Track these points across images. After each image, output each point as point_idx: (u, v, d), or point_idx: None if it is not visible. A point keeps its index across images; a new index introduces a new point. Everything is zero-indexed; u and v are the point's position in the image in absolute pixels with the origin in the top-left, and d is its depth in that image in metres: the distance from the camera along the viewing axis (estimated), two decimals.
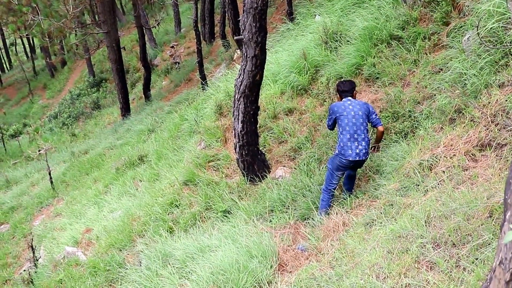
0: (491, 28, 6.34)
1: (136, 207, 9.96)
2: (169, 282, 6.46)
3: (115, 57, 20.45)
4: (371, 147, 6.91)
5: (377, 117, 6.71)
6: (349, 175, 6.97)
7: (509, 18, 6.00)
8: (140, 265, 7.55)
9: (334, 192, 6.86)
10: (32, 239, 10.73)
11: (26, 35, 22.57)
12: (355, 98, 6.82)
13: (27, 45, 55.19)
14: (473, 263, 4.14)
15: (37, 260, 10.24)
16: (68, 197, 14.43)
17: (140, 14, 23.87)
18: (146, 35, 27.18)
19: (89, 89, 32.80)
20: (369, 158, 7.07)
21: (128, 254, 8.51)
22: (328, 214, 6.73)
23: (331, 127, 6.92)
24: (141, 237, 8.67)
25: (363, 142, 6.46)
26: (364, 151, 6.45)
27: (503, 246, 2.11)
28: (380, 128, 6.76)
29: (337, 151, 6.55)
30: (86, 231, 10.52)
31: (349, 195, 6.82)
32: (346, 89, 6.83)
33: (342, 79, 7.55)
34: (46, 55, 39.46)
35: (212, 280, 5.84)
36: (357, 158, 6.42)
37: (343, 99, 6.76)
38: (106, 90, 32.00)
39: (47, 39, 20.57)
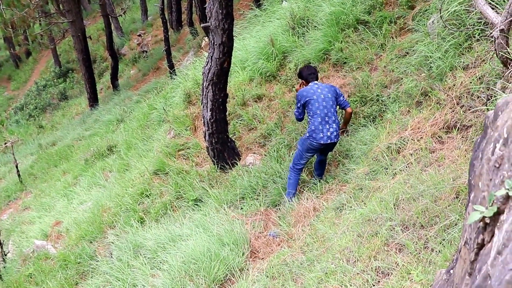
0: (454, 11, 6.40)
1: (106, 198, 9.86)
2: (141, 273, 6.42)
3: (81, 47, 20.12)
4: (340, 130, 6.94)
5: (344, 99, 6.76)
6: (320, 160, 7.00)
7: (471, 1, 6.06)
8: (111, 256, 7.48)
9: (301, 172, 6.90)
10: (0, 233, 10.56)
11: None
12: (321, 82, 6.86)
13: None
14: (440, 243, 4.20)
15: (6, 255, 10.08)
16: (37, 190, 14.23)
17: (106, 2, 23.53)
18: (112, 24, 26.83)
19: (55, 80, 32.26)
20: (338, 142, 7.10)
21: (99, 246, 8.43)
22: (294, 196, 6.80)
23: (301, 115, 6.79)
24: (112, 228, 8.59)
25: (334, 125, 6.50)
26: (335, 133, 6.50)
27: (467, 226, 2.13)
28: (349, 109, 6.83)
29: (307, 134, 6.57)
30: (56, 224, 10.39)
31: (319, 181, 6.86)
32: (311, 72, 6.85)
33: (303, 65, 7.49)
34: (10, 46, 38.73)
35: (184, 269, 5.82)
36: (329, 141, 6.47)
37: (310, 84, 6.75)
38: (73, 80, 31.54)
39: (10, 29, 20.20)
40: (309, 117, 6.58)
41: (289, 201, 6.75)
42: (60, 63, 34.23)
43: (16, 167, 16.11)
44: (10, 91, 37.90)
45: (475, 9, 5.67)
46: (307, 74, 6.84)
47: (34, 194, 14.08)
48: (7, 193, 15.57)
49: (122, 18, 31.48)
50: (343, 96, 6.79)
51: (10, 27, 19.84)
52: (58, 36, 26.59)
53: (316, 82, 6.76)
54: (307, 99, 6.53)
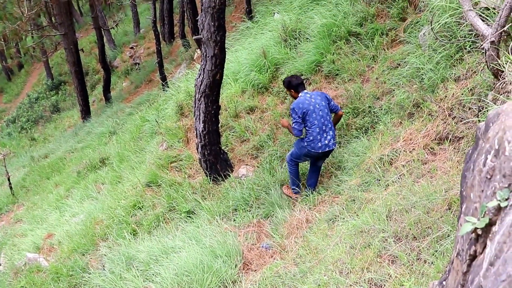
0: (445, 23, 6.44)
1: (99, 210, 9.82)
2: (133, 285, 6.39)
3: (74, 60, 20.10)
4: None
5: (335, 104, 6.87)
6: (314, 169, 7.00)
7: (462, 13, 6.10)
8: (104, 269, 7.44)
9: (299, 165, 7.04)
10: None
11: None
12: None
13: None
14: (433, 255, 4.20)
15: None
16: (29, 203, 14.15)
17: (98, 15, 23.55)
18: (104, 37, 26.84)
19: (48, 92, 32.16)
20: (331, 154, 7.13)
21: (91, 258, 8.38)
22: (300, 187, 7.00)
23: (301, 128, 6.64)
24: (104, 241, 8.55)
25: (330, 132, 6.62)
26: (332, 140, 6.64)
27: (459, 238, 2.14)
28: (340, 112, 6.95)
29: (305, 144, 6.62)
30: (48, 237, 10.33)
31: (311, 192, 6.86)
32: (299, 82, 6.85)
33: (289, 75, 7.47)
34: (2, 58, 38.64)
35: (176, 282, 5.80)
36: (327, 149, 6.61)
37: (301, 93, 6.73)
38: (65, 93, 31.47)
39: (2, 42, 20.20)
40: (307, 128, 6.60)
41: (299, 192, 7.03)
42: (52, 76, 34.16)
43: (8, 179, 16.02)
44: (2, 103, 37.78)
45: (466, 21, 5.71)
46: (297, 84, 6.82)
47: (26, 207, 14.00)
48: None
49: (115, 30, 31.54)
50: (333, 101, 6.89)
51: (2, 39, 19.87)
52: (50, 48, 26.57)
53: (306, 91, 6.76)
54: (305, 110, 6.51)
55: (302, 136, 6.72)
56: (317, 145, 6.54)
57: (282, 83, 7.22)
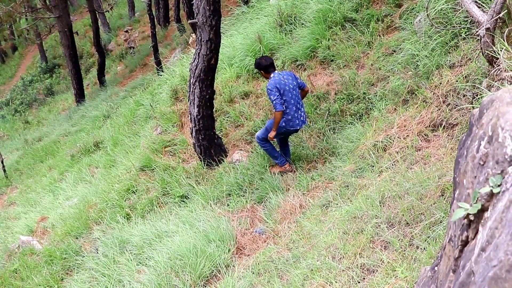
0: (440, 10, 6.43)
1: (93, 194, 9.81)
2: (127, 269, 6.40)
3: (68, 43, 19.98)
4: None
5: (302, 81, 7.19)
6: (284, 144, 7.49)
7: None
8: (97, 252, 7.45)
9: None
10: None
11: None
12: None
13: None
14: (425, 241, 4.22)
15: None
16: (22, 186, 14.15)
17: None
18: (99, 20, 26.69)
19: (42, 75, 32.04)
20: (325, 140, 7.21)
21: (84, 242, 8.39)
22: (282, 158, 7.30)
23: (283, 104, 6.81)
24: (98, 224, 8.56)
25: (302, 108, 7.10)
26: (305, 115, 7.12)
27: (452, 223, 2.15)
28: (306, 88, 7.25)
29: (283, 124, 6.92)
30: (41, 220, 10.32)
31: (289, 161, 7.34)
32: (270, 62, 7.08)
33: (259, 57, 7.62)
34: None
35: (169, 266, 5.81)
36: (302, 125, 7.08)
37: (272, 74, 6.98)
38: (59, 76, 31.36)
39: None
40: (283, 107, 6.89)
41: (285, 161, 7.33)
42: (46, 59, 34.01)
43: (2, 162, 16.00)
44: None
45: (462, 7, 5.71)
46: (267, 65, 7.05)
47: (19, 190, 13.99)
48: None
49: (109, 14, 31.34)
50: (300, 78, 7.23)
51: None
52: (44, 31, 26.43)
53: (278, 72, 7.03)
54: (281, 90, 6.78)
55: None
56: (295, 123, 6.93)
57: (255, 66, 7.36)
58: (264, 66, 7.03)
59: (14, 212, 12.01)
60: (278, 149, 7.52)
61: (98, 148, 13.04)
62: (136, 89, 15.98)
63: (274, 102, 6.79)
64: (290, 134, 7.30)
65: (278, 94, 6.74)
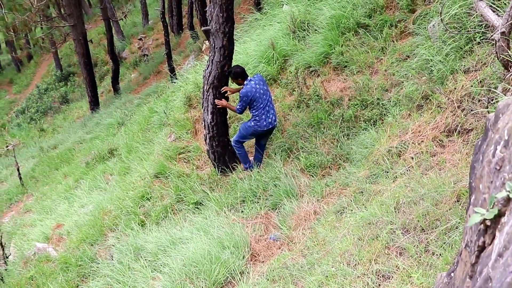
0: (455, 14, 6.41)
1: (107, 201, 9.85)
2: (142, 276, 6.42)
3: (82, 51, 20.14)
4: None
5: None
6: (259, 147, 8.08)
7: (472, 4, 6.06)
8: (112, 259, 7.48)
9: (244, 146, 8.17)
10: (2, 236, 10.52)
11: None
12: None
13: None
14: (441, 247, 4.19)
15: (7, 258, 10.06)
16: (38, 193, 14.22)
17: (107, 6, 23.59)
18: (113, 28, 26.87)
19: (57, 83, 32.29)
20: (339, 146, 7.19)
21: (99, 249, 8.42)
22: (252, 165, 8.01)
23: (243, 111, 7.76)
24: (113, 231, 8.59)
25: (272, 111, 7.74)
26: (274, 117, 7.76)
27: (468, 229, 2.13)
28: None
29: (253, 124, 7.70)
30: (57, 227, 10.38)
31: (258, 166, 7.94)
32: (242, 70, 7.77)
33: (232, 67, 7.98)
34: (12, 50, 38.85)
35: (184, 272, 5.82)
36: (270, 126, 7.74)
37: (246, 81, 7.66)
38: (74, 84, 31.58)
39: (12, 33, 20.21)
40: (254, 110, 7.65)
41: (249, 168, 8.03)
42: (61, 67, 34.25)
43: (18, 170, 16.10)
44: (11, 94, 37.95)
45: (476, 12, 5.68)
46: (241, 73, 7.70)
47: (35, 197, 14.07)
48: (9, 196, 15.57)
49: (123, 22, 31.54)
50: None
51: (12, 31, 19.88)
52: (59, 40, 26.59)
53: (250, 78, 7.71)
54: (252, 98, 7.53)
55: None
56: (263, 124, 7.65)
57: (229, 75, 7.95)
58: (241, 74, 7.70)
59: (30, 219, 12.08)
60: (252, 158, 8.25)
61: (112, 155, 13.10)
62: (150, 96, 16.04)
63: (238, 107, 7.70)
64: (262, 135, 7.89)
65: (245, 103, 7.60)
